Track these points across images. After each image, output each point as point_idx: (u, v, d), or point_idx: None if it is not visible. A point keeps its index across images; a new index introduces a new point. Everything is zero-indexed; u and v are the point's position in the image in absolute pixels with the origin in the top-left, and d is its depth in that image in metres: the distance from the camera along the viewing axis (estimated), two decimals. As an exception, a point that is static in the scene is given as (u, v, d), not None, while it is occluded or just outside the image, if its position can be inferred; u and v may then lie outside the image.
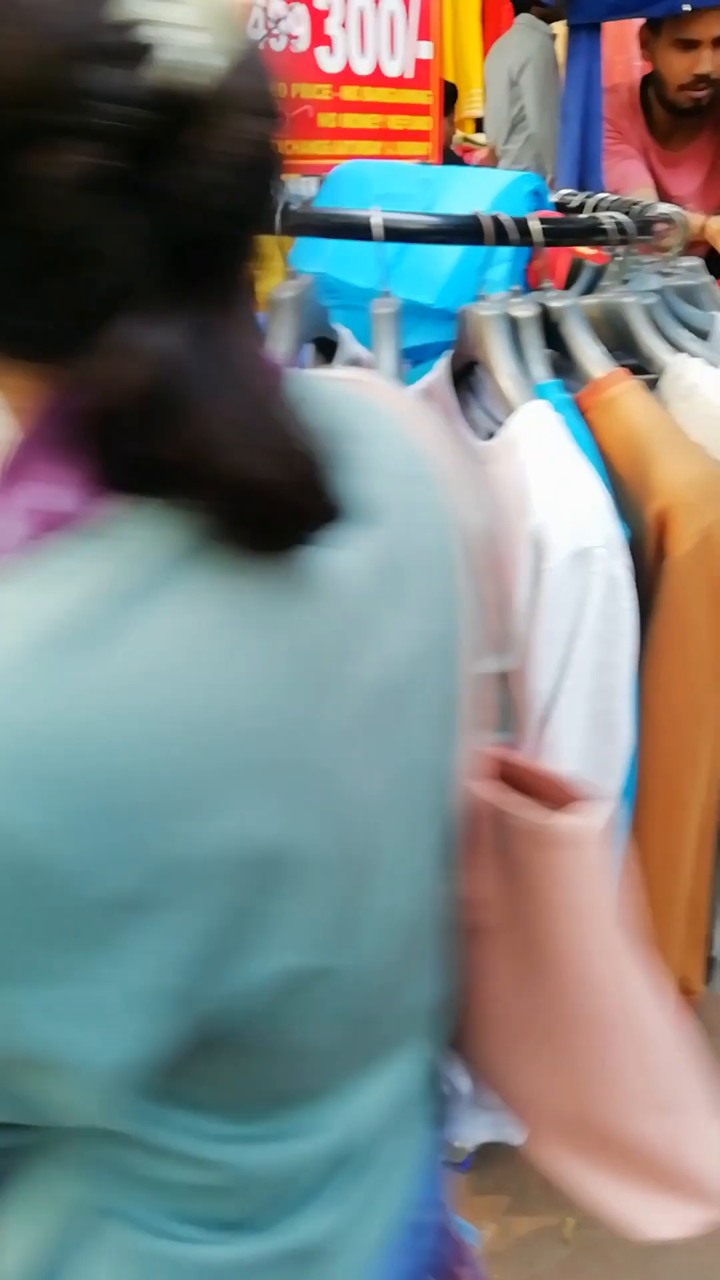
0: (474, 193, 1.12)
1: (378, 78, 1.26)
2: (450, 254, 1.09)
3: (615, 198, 1.35)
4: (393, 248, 1.18)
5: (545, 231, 0.94)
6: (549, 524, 0.74)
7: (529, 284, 1.14)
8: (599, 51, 1.88)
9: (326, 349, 1.04)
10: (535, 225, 0.91)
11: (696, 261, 1.22)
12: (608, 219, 0.98)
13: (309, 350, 1.05)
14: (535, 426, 0.83)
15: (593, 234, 0.99)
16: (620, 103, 2.00)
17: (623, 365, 1.06)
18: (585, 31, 1.80)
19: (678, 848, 0.85)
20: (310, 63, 1.21)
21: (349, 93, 1.25)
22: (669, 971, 0.92)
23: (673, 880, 0.87)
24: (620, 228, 0.98)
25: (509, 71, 2.89)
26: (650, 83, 1.97)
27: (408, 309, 1.18)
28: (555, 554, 0.74)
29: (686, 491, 0.79)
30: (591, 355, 0.93)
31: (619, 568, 0.75)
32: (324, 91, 1.23)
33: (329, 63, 1.22)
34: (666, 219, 1.13)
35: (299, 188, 1.27)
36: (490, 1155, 1.63)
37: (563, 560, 0.74)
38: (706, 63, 1.83)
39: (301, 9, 1.17)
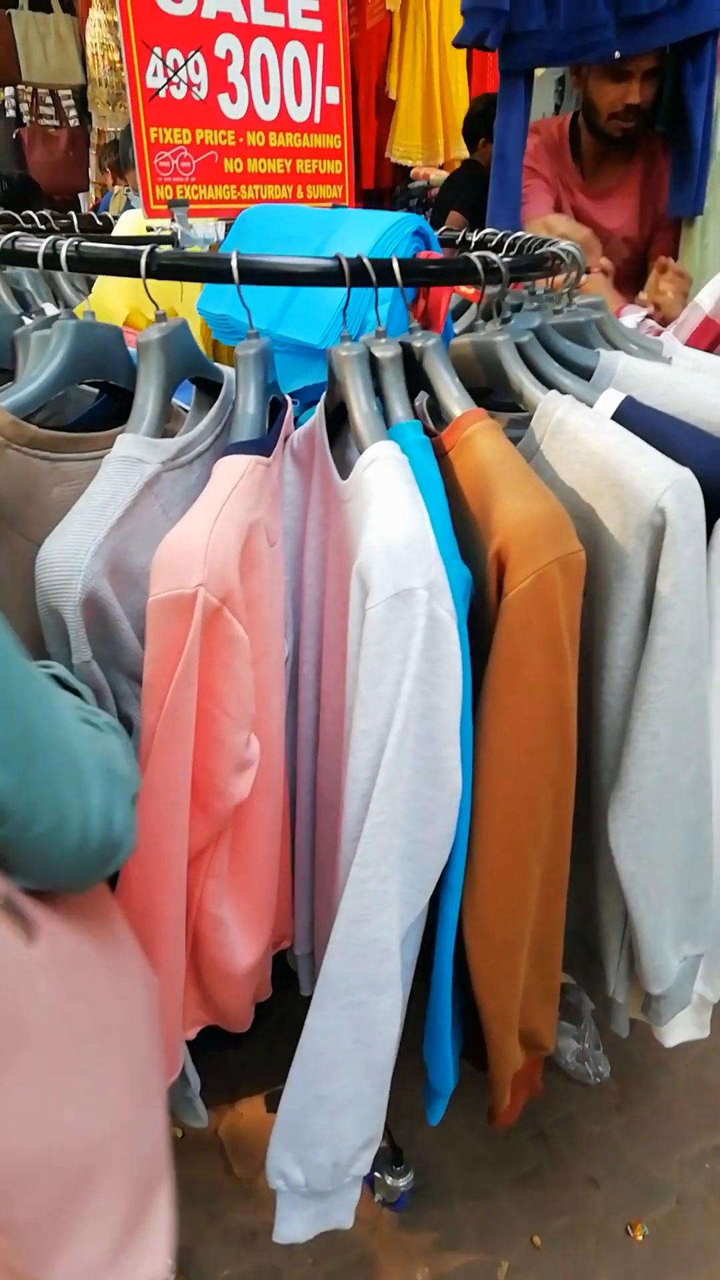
0: (360, 234, 1.13)
1: (283, 122, 1.28)
2: (334, 296, 1.09)
3: (526, 235, 1.36)
4: (284, 291, 1.20)
5: (411, 272, 0.95)
6: (371, 564, 0.73)
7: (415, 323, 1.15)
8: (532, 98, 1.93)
9: (213, 389, 1.05)
10: (395, 266, 0.92)
11: (596, 298, 1.22)
12: (478, 259, 0.98)
13: (191, 389, 1.05)
14: (378, 466, 0.82)
15: (465, 274, 0.99)
16: (549, 141, 2.06)
17: (505, 403, 1.06)
18: (520, 78, 1.84)
19: (519, 896, 0.82)
20: (213, 109, 1.23)
21: (254, 138, 1.27)
22: (511, 1027, 0.89)
23: (513, 930, 0.84)
24: (493, 267, 0.98)
25: None
26: (578, 120, 2.02)
27: (302, 350, 1.19)
28: (377, 594, 0.73)
29: (521, 531, 0.78)
30: (452, 394, 0.93)
31: (443, 610, 0.74)
32: (228, 137, 1.25)
33: (231, 109, 1.24)
34: (557, 257, 1.13)
35: (205, 231, 1.28)
36: (425, 1195, 1.59)
37: (384, 601, 0.72)
38: (636, 94, 1.92)
39: (200, 57, 1.19)
